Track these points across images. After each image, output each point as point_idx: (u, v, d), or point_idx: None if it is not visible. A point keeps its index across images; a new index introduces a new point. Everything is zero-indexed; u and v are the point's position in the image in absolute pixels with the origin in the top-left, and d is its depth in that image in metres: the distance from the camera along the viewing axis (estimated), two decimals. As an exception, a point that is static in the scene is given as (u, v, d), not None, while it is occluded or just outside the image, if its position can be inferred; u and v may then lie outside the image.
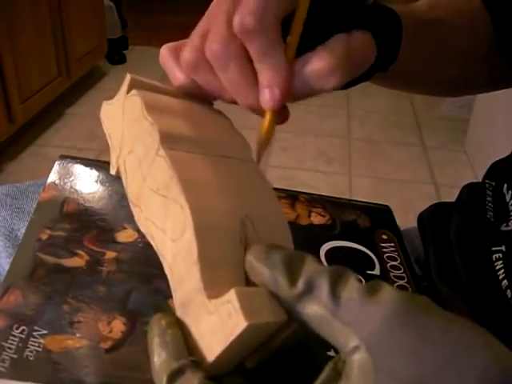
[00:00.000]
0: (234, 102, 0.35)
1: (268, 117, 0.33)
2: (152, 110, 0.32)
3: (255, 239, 0.28)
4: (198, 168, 0.30)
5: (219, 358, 0.24)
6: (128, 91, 0.34)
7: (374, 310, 0.22)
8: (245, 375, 0.26)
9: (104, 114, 0.37)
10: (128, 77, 0.35)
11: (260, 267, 0.25)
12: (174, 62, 0.36)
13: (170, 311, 0.27)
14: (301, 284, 0.23)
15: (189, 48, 0.34)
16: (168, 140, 0.30)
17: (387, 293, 0.22)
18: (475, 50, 0.49)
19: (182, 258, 0.27)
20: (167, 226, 0.28)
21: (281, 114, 0.34)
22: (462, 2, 0.50)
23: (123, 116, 0.34)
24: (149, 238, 0.30)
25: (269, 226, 0.30)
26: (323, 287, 0.23)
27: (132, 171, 0.32)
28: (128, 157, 0.32)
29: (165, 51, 0.36)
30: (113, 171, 0.34)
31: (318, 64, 0.32)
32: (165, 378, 0.24)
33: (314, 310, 0.23)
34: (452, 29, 0.47)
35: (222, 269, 0.26)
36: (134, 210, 0.31)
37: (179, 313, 0.26)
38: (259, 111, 0.34)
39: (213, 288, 0.25)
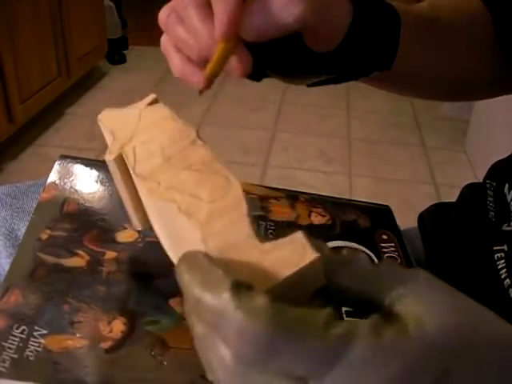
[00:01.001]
0: (202, 59, 0.34)
1: (218, 47, 0.32)
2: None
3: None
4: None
5: (274, 288, 0.24)
6: (150, 104, 0.38)
7: (415, 274, 0.25)
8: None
9: (106, 117, 0.39)
10: (153, 95, 0.39)
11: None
12: (174, 48, 0.36)
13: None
14: (345, 252, 0.26)
15: (164, 7, 0.36)
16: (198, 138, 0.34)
17: (419, 268, 0.25)
18: (475, 50, 0.49)
19: (225, 213, 0.28)
20: (203, 191, 0.30)
21: (237, 55, 0.33)
22: (461, 2, 0.50)
23: (140, 120, 0.37)
24: (160, 204, 0.31)
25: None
26: (364, 258, 0.25)
27: (146, 154, 0.34)
28: (142, 145, 0.35)
29: (165, 40, 0.37)
30: (111, 157, 0.35)
31: None
32: (227, 292, 0.21)
33: (358, 271, 0.25)
34: (451, 28, 0.47)
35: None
36: (145, 184, 0.32)
37: (221, 254, 0.26)
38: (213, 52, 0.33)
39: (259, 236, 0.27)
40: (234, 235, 0.27)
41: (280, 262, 0.24)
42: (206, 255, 0.24)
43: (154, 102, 0.38)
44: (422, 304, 0.23)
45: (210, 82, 0.33)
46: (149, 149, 0.34)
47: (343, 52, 0.39)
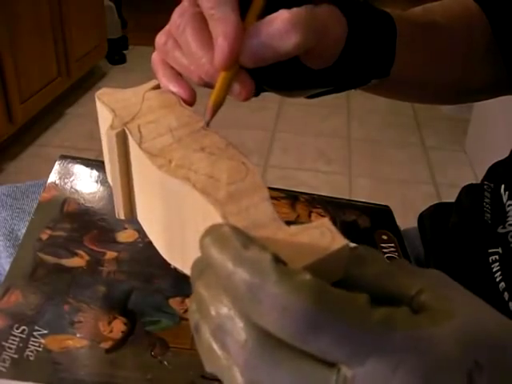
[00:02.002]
0: (202, 83, 0.34)
1: (221, 75, 0.32)
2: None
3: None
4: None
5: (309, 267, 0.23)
6: (153, 88, 0.36)
7: (428, 271, 0.25)
8: None
9: (106, 95, 0.37)
10: (155, 80, 0.37)
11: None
12: (158, 63, 0.37)
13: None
14: (361, 248, 0.25)
15: (160, 32, 0.36)
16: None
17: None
18: (472, 54, 0.49)
19: (245, 195, 0.27)
20: (220, 173, 0.29)
21: (240, 81, 0.33)
22: (456, 7, 0.49)
23: (144, 101, 0.35)
24: (172, 182, 0.29)
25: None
26: (379, 253, 0.25)
27: (153, 134, 0.32)
28: (149, 124, 0.33)
29: (155, 56, 0.37)
30: (113, 131, 0.32)
31: (278, 21, 0.32)
32: (268, 265, 0.20)
33: (376, 267, 0.24)
34: (448, 32, 0.47)
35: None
36: (157, 160, 0.30)
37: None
38: (216, 77, 0.33)
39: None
40: (258, 217, 0.26)
41: (309, 245, 0.23)
42: (236, 228, 0.22)
43: (157, 87, 0.37)
44: (447, 299, 0.23)
45: (215, 112, 0.33)
46: (156, 128, 0.32)
47: (340, 65, 0.39)
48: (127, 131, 0.32)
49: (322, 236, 0.24)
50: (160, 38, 0.36)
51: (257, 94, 0.42)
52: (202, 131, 0.32)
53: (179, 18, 0.33)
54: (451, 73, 0.49)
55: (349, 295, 0.21)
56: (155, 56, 0.37)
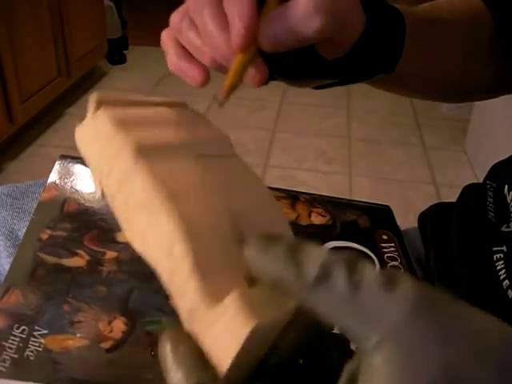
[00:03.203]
0: (214, 65, 0.34)
1: (237, 58, 0.32)
2: (122, 125, 0.30)
3: (250, 233, 0.27)
4: (178, 174, 0.28)
5: (234, 364, 0.23)
6: (95, 110, 0.32)
7: (395, 302, 0.21)
8: (264, 380, 0.26)
9: (79, 139, 0.34)
10: (94, 96, 0.33)
11: (262, 260, 0.23)
12: (170, 42, 0.36)
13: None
14: (313, 272, 0.21)
15: (176, 11, 0.35)
16: (143, 152, 0.28)
17: (406, 284, 0.21)
18: (477, 50, 0.49)
19: (178, 271, 0.25)
20: (159, 240, 0.26)
21: (255, 66, 0.32)
22: (462, 3, 0.50)
23: (96, 137, 0.32)
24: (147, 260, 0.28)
25: (263, 217, 0.29)
26: (339, 274, 0.21)
27: (114, 192, 0.29)
28: (108, 178, 0.30)
29: (165, 34, 0.37)
30: (99, 194, 0.31)
31: (300, 5, 0.31)
32: None
33: (329, 300, 0.21)
34: (453, 28, 0.47)
35: (219, 273, 0.25)
36: (126, 235, 0.29)
37: (187, 324, 0.26)
38: (231, 60, 0.32)
39: (213, 295, 0.24)
40: (191, 298, 0.25)
41: (226, 335, 0.23)
42: (180, 340, 0.26)
43: (99, 102, 0.33)
44: (399, 369, 0.20)
45: (229, 94, 0.32)
46: (113, 184, 0.29)
47: (350, 58, 0.39)
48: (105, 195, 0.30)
49: (234, 322, 0.23)
50: (175, 16, 0.35)
51: (266, 83, 0.42)
52: (135, 174, 0.28)
53: None
54: (455, 69, 0.49)
55: None
56: (166, 34, 0.36)
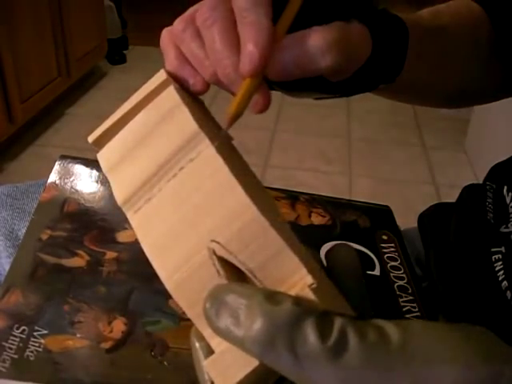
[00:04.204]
0: (215, 81, 0.33)
1: (244, 83, 0.30)
2: (110, 171, 0.30)
3: (233, 259, 0.26)
4: (158, 216, 0.28)
5: None
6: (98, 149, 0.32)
7: (337, 374, 0.22)
8: None
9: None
10: (90, 140, 0.32)
11: (212, 327, 0.24)
12: (171, 44, 0.35)
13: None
14: (256, 347, 0.22)
15: (180, 17, 0.34)
16: (128, 204, 0.29)
17: (352, 352, 0.22)
18: (477, 55, 0.49)
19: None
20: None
21: (260, 92, 0.31)
22: (462, 9, 0.49)
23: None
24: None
25: (243, 231, 0.26)
26: (282, 347, 0.22)
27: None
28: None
29: (165, 36, 0.35)
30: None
31: (314, 38, 0.30)
32: None
33: (279, 368, 0.22)
34: (455, 35, 0.47)
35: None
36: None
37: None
38: (236, 82, 0.31)
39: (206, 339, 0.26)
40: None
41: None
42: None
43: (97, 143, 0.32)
44: None
45: (233, 122, 0.31)
46: None
47: (354, 76, 0.38)
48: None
49: (226, 370, 0.24)
50: (179, 24, 0.34)
51: None
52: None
53: (210, 11, 0.32)
54: (455, 75, 0.49)
55: None
56: (167, 37, 0.35)
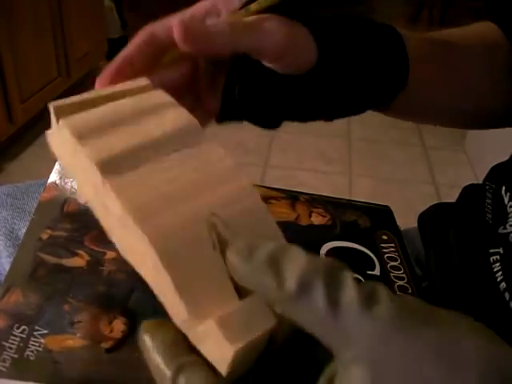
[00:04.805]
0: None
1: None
2: (85, 137, 0.29)
3: (228, 235, 0.26)
4: (148, 183, 0.27)
5: (230, 372, 0.24)
6: (57, 121, 0.32)
7: (371, 324, 0.21)
8: (253, 378, 0.26)
9: (52, 144, 0.34)
10: (51, 107, 0.33)
11: (243, 271, 0.24)
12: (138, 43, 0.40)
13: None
14: (292, 285, 0.22)
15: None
16: (108, 167, 0.28)
17: (384, 304, 0.22)
18: (492, 74, 0.47)
19: (164, 286, 0.25)
20: (142, 257, 0.26)
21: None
22: (476, 28, 0.48)
23: (65, 147, 0.31)
24: (137, 270, 0.29)
25: (244, 214, 0.27)
26: (318, 290, 0.22)
27: (93, 202, 0.30)
28: (85, 187, 0.30)
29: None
30: (82, 200, 0.31)
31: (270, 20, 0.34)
32: (169, 374, 0.24)
33: (308, 314, 0.22)
34: (466, 52, 0.46)
35: (204, 287, 0.25)
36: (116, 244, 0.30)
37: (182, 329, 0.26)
38: None
39: (198, 314, 0.24)
40: (180, 316, 0.25)
41: (214, 358, 0.24)
42: (159, 326, 0.27)
43: (58, 113, 0.32)
44: (368, 377, 0.21)
45: None
46: (91, 195, 0.30)
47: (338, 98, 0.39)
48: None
49: (218, 346, 0.23)
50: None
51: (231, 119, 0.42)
52: (105, 190, 0.27)
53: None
54: (470, 94, 0.47)
55: None
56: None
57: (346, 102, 0.41)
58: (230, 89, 0.38)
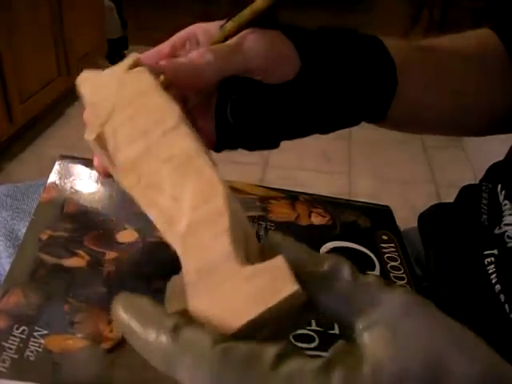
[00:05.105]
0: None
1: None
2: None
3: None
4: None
5: (249, 323, 0.23)
6: (130, 68, 0.35)
7: (391, 296, 0.23)
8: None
9: (86, 82, 0.38)
10: (134, 54, 0.36)
11: (290, 246, 0.26)
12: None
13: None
14: (326, 266, 0.25)
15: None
16: (184, 118, 0.30)
17: (399, 286, 0.24)
18: (486, 78, 0.47)
19: (204, 225, 0.26)
20: (184, 194, 0.28)
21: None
22: (471, 33, 0.48)
23: (119, 88, 0.34)
24: (144, 205, 0.29)
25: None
26: (345, 270, 0.25)
27: (127, 139, 0.31)
28: (124, 125, 0.32)
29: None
30: (91, 136, 0.32)
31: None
32: (170, 324, 0.23)
33: (336, 289, 0.24)
34: (460, 56, 0.46)
35: (244, 238, 0.27)
36: (128, 177, 0.30)
37: (190, 279, 0.26)
38: None
39: (241, 256, 0.25)
40: (213, 255, 0.25)
41: (259, 292, 0.23)
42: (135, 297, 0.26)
43: (136, 64, 0.35)
44: (389, 343, 0.22)
45: None
46: (131, 131, 0.31)
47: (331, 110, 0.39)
48: (105, 136, 0.32)
49: (274, 281, 0.23)
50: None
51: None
52: (174, 132, 0.30)
53: None
54: (467, 96, 0.47)
55: (256, 351, 0.21)
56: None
57: (336, 112, 0.41)
58: (223, 109, 0.38)
